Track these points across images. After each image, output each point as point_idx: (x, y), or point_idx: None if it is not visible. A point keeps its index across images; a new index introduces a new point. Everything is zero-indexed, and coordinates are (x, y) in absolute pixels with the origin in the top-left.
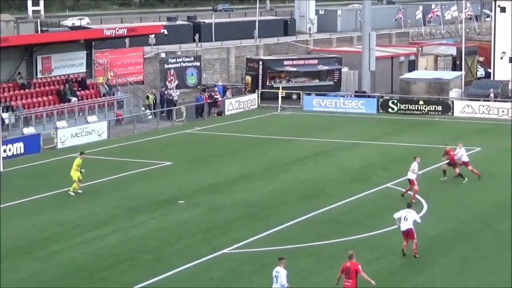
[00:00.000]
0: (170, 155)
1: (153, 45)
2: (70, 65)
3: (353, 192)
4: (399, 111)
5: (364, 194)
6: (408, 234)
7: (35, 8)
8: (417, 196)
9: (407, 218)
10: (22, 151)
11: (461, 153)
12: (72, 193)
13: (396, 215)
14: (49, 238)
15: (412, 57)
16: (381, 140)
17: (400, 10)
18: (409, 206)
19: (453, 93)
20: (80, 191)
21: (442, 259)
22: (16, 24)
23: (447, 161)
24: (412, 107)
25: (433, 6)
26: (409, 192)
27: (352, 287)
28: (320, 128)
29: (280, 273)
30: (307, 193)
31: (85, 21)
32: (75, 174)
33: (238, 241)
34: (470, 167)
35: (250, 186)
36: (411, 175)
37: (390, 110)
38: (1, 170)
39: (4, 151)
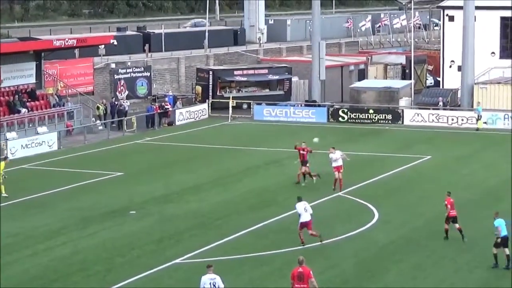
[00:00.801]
0: (121, 165)
1: (103, 55)
2: (19, 76)
3: (305, 201)
4: (349, 120)
5: (316, 202)
6: (307, 224)
7: None
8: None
9: (307, 209)
10: None
11: (335, 157)
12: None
13: (298, 209)
14: (1, 249)
15: (362, 66)
16: None
17: (349, 19)
18: (300, 199)
19: (403, 102)
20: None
21: (394, 267)
22: None
23: (300, 162)
24: (362, 116)
25: (382, 15)
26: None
27: None
28: (271, 138)
29: (217, 279)
30: (259, 202)
31: None
32: None
33: (190, 251)
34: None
35: (201, 196)
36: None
37: (340, 119)
38: None
39: None
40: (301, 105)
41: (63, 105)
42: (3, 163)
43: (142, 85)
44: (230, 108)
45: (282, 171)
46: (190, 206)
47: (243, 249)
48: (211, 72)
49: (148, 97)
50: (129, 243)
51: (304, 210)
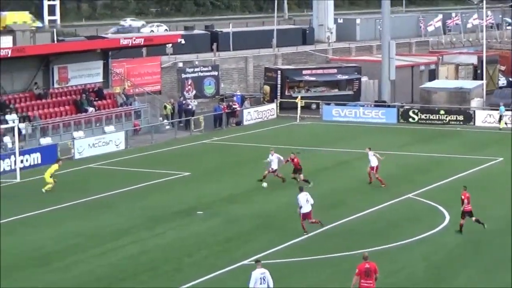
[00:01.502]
0: (188, 165)
1: (170, 54)
2: (87, 75)
3: (374, 203)
4: (419, 121)
5: (385, 205)
6: (308, 215)
7: (51, 17)
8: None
9: (308, 201)
10: (39, 161)
11: (370, 158)
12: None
13: (300, 200)
14: (67, 250)
15: (433, 66)
16: (402, 150)
17: (421, 19)
18: (301, 190)
19: (475, 103)
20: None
21: (464, 271)
22: (32, 34)
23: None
24: (433, 116)
25: (453, 15)
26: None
27: (374, 287)
28: (340, 138)
29: (266, 273)
30: (327, 203)
31: (163, 28)
32: (48, 177)
33: (257, 252)
34: (375, 174)
35: (269, 197)
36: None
37: (410, 120)
38: (18, 180)
39: (21, 161)
40: (370, 106)
41: (130, 104)
42: (56, 165)
43: (209, 85)
44: (299, 108)
45: (351, 172)
46: (257, 206)
47: (311, 251)
48: (279, 72)
49: (216, 96)
50: (196, 243)
51: (305, 202)
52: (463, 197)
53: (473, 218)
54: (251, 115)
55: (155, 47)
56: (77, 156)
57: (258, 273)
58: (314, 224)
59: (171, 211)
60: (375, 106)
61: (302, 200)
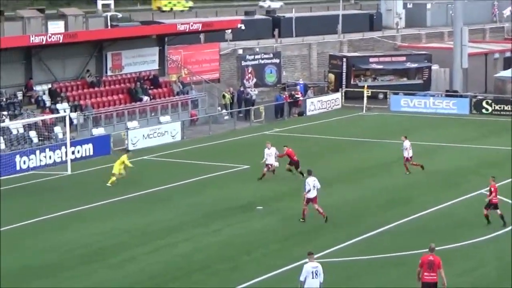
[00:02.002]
0: (248, 158)
1: (230, 41)
2: (141, 62)
3: (443, 199)
4: (493, 112)
5: (455, 201)
6: (313, 199)
7: (105, 2)
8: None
9: (315, 186)
10: (91, 153)
11: (405, 146)
12: (109, 184)
13: (308, 184)
14: (119, 246)
15: (508, 54)
16: (474, 143)
17: (495, 3)
18: (310, 173)
19: None
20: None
21: None
22: (85, 19)
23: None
24: (508, 107)
25: None
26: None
27: (436, 281)
28: (408, 130)
29: (319, 267)
30: (394, 199)
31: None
32: (117, 168)
33: (320, 250)
34: (412, 163)
35: (332, 192)
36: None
37: (484, 111)
38: (69, 173)
39: (73, 153)
40: (441, 96)
41: (187, 93)
42: (125, 156)
43: (271, 73)
44: (365, 98)
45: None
46: (320, 201)
47: (376, 249)
48: (345, 59)
49: (277, 85)
50: (254, 240)
51: (313, 187)
52: (492, 188)
53: (498, 211)
54: (314, 105)
55: (213, 33)
56: (130, 148)
57: (310, 266)
58: (319, 215)
59: (228, 207)
60: (446, 96)
61: (310, 184)
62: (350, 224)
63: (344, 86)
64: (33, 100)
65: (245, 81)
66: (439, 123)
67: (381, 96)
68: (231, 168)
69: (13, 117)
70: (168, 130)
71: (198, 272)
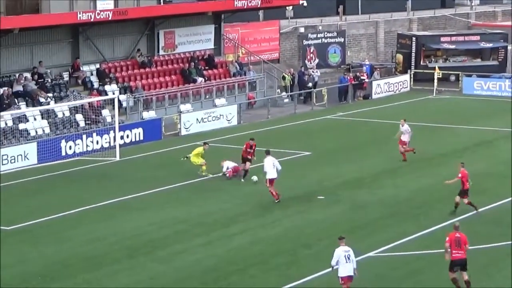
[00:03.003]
0: (309, 144)
1: (291, 18)
2: (196, 40)
3: (273, 156)
4: None
5: None
6: (272, 181)
7: None
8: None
9: (275, 165)
10: (142, 137)
11: (404, 130)
12: (204, 174)
13: (266, 165)
14: (170, 237)
15: None
16: None
17: None
18: (268, 152)
19: None
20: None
21: None
22: None
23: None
24: None
25: None
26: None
27: (465, 257)
28: (482, 115)
29: (351, 251)
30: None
31: None
32: (197, 159)
33: (385, 243)
34: (405, 147)
35: (398, 181)
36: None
37: None
38: (118, 159)
39: (122, 137)
40: None
41: (245, 74)
42: (201, 148)
43: (334, 53)
44: (436, 80)
45: (493, 153)
46: (385, 192)
47: (443, 244)
48: (414, 39)
49: (342, 66)
50: (315, 232)
51: (272, 167)
52: (460, 175)
53: (466, 201)
54: (381, 87)
55: (273, 10)
56: (183, 132)
57: (341, 250)
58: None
59: (288, 196)
60: None
61: (267, 165)
62: (417, 216)
63: (413, 67)
64: (80, 81)
65: (306, 61)
66: None
67: (452, 78)
68: (291, 155)
69: (58, 99)
70: (223, 113)
71: (254, 267)
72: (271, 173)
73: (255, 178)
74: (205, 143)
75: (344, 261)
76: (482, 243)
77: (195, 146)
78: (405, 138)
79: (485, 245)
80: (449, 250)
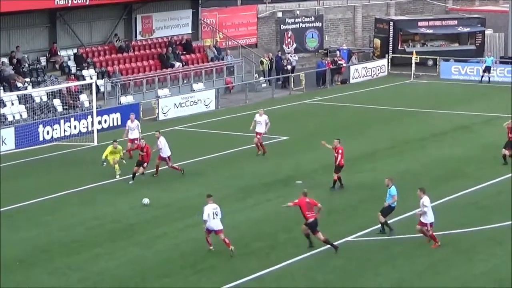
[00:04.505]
0: (287, 128)
1: (268, 3)
2: (173, 25)
3: (498, 173)
4: None
5: (510, 176)
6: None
7: None
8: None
9: (217, 214)
10: (119, 122)
11: (259, 120)
12: (118, 176)
13: (204, 213)
14: (149, 222)
15: None
16: None
17: None
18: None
19: None
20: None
21: None
22: None
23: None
24: None
25: None
26: None
27: (317, 217)
28: (460, 99)
29: (218, 208)
30: (444, 174)
31: None
32: (115, 155)
33: (364, 227)
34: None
35: (377, 165)
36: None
37: None
38: (95, 144)
39: (99, 122)
40: (495, 62)
41: (222, 59)
42: (110, 147)
43: (312, 37)
44: (413, 65)
45: (472, 138)
46: (364, 176)
47: None
48: (391, 23)
49: (319, 51)
50: (294, 217)
51: (213, 216)
52: (340, 151)
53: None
54: (358, 72)
55: None
56: (161, 117)
57: (209, 208)
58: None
59: (266, 181)
60: (501, 63)
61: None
62: (398, 200)
63: (390, 52)
64: (57, 66)
65: (284, 46)
66: (492, 92)
67: (430, 62)
68: (269, 140)
69: (36, 84)
70: (201, 98)
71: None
72: (213, 223)
73: (146, 200)
74: (114, 141)
75: (212, 217)
76: (462, 228)
77: (173, 131)
78: (261, 129)
79: (465, 229)
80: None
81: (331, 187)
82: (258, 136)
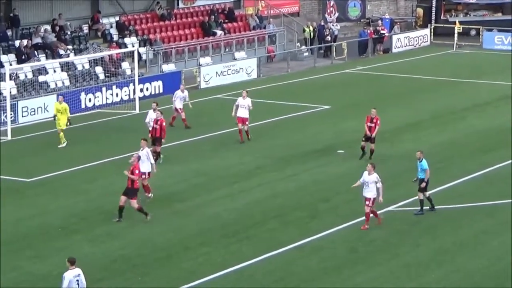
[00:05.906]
0: (328, 97)
1: None
2: None
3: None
4: None
5: None
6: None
7: None
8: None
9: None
10: (161, 90)
11: (242, 104)
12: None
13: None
14: (189, 190)
15: None
16: None
17: None
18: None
19: None
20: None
21: None
22: None
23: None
24: None
25: None
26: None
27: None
28: (503, 69)
29: (81, 277)
30: (486, 144)
31: None
32: (62, 119)
33: (405, 198)
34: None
35: (419, 135)
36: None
37: None
38: (137, 112)
39: (141, 90)
40: None
41: (264, 28)
42: (57, 102)
43: (354, 6)
44: (456, 35)
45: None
46: (406, 146)
47: (465, 197)
48: None
49: (362, 20)
50: (334, 186)
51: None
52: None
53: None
54: (401, 41)
55: None
56: (203, 85)
57: (71, 275)
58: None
59: (307, 150)
60: None
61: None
62: (439, 170)
63: (433, 21)
64: (99, 33)
65: (326, 15)
66: None
67: (473, 32)
68: (311, 109)
69: (78, 51)
70: (243, 67)
71: (272, 220)
72: (243, 112)
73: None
74: (60, 96)
75: (74, 284)
76: (505, 198)
77: (215, 99)
78: (244, 113)
79: (508, 200)
80: None
81: (364, 156)
82: (242, 123)
